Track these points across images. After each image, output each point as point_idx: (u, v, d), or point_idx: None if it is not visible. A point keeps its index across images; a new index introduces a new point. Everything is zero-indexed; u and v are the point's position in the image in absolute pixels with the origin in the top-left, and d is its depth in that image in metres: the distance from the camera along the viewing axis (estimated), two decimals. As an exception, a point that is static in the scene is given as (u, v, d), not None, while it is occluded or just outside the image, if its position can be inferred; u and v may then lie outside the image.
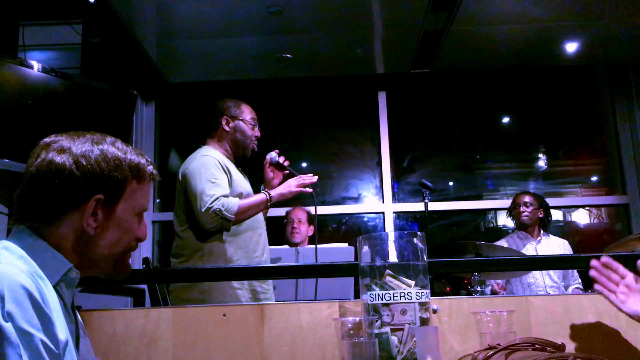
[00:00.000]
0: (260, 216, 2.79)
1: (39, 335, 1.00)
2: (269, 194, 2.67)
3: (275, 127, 5.44)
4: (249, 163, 2.94)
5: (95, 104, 3.47)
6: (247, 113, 2.87)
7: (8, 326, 0.97)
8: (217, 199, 2.54)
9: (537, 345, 1.36)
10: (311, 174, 2.75)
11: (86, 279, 1.25)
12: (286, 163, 2.88)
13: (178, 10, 4.13)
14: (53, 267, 1.14)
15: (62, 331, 1.08)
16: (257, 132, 2.88)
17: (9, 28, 3.53)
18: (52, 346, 1.02)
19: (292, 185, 2.69)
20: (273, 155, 2.88)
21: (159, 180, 1.31)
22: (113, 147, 1.22)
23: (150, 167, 1.28)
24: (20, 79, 3.11)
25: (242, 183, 2.77)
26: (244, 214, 2.61)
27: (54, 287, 1.13)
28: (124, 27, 4.25)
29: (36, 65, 3.19)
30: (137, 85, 5.06)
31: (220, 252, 2.62)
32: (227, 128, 2.83)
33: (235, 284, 2.58)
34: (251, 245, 2.70)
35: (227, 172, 2.69)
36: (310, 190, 2.73)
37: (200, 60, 4.93)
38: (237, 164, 2.88)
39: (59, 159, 1.17)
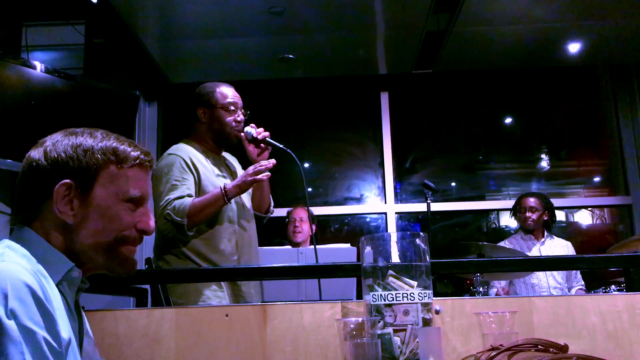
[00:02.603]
0: (240, 213, 2.57)
1: (42, 332, 1.00)
2: (224, 188, 2.39)
3: (277, 128, 5.43)
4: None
5: (98, 105, 3.48)
6: (222, 98, 2.58)
7: (11, 324, 0.97)
8: (169, 202, 2.36)
9: (539, 346, 1.36)
10: (273, 159, 2.47)
11: (90, 278, 1.25)
12: (262, 136, 2.55)
13: (180, 11, 4.14)
14: (55, 266, 1.14)
15: (65, 329, 1.08)
16: (238, 116, 2.58)
17: (12, 29, 3.54)
18: (54, 344, 1.02)
19: (248, 174, 2.40)
20: (248, 130, 2.56)
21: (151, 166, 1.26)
22: (88, 136, 1.21)
23: (136, 152, 1.23)
24: (23, 79, 3.11)
25: (216, 180, 2.52)
26: (198, 215, 2.37)
27: (57, 285, 1.13)
28: (126, 27, 4.25)
29: (39, 66, 3.20)
30: (140, 85, 5.06)
31: (188, 255, 2.45)
32: (204, 120, 2.60)
33: (214, 286, 2.42)
34: (222, 246, 2.48)
35: (194, 171, 2.47)
36: (267, 175, 2.41)
37: (202, 60, 4.94)
38: (230, 151, 2.71)
39: (33, 153, 1.20)
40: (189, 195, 2.41)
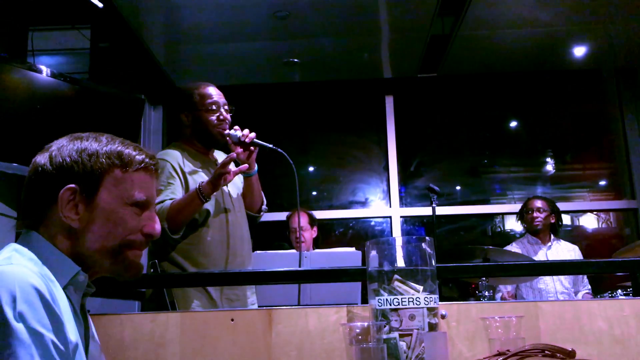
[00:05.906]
0: (229, 215, 2.50)
1: (49, 335, 1.00)
2: (199, 188, 2.29)
3: (282, 132, 5.45)
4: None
5: (104, 109, 3.48)
6: (202, 99, 2.51)
7: (20, 326, 0.98)
8: None
9: (547, 352, 1.35)
10: (233, 153, 2.37)
11: (95, 282, 1.25)
12: (248, 139, 2.43)
13: (186, 15, 4.15)
14: (61, 270, 1.14)
15: (72, 333, 1.08)
16: (220, 115, 2.51)
17: (18, 33, 3.56)
18: (61, 347, 1.02)
19: (217, 170, 2.29)
20: (232, 133, 2.45)
21: (155, 169, 1.26)
22: (93, 141, 1.21)
23: (141, 156, 1.23)
24: (29, 83, 3.12)
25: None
26: (178, 216, 2.30)
27: (63, 289, 1.13)
28: (132, 32, 4.27)
29: (45, 70, 3.20)
30: (145, 89, 5.07)
31: (177, 259, 2.40)
32: (187, 124, 2.54)
33: (198, 292, 2.36)
34: (211, 249, 2.42)
35: (182, 176, 2.42)
36: (238, 170, 2.31)
37: (207, 64, 4.95)
38: (223, 149, 2.63)
39: (39, 158, 1.20)
40: (172, 199, 2.35)
